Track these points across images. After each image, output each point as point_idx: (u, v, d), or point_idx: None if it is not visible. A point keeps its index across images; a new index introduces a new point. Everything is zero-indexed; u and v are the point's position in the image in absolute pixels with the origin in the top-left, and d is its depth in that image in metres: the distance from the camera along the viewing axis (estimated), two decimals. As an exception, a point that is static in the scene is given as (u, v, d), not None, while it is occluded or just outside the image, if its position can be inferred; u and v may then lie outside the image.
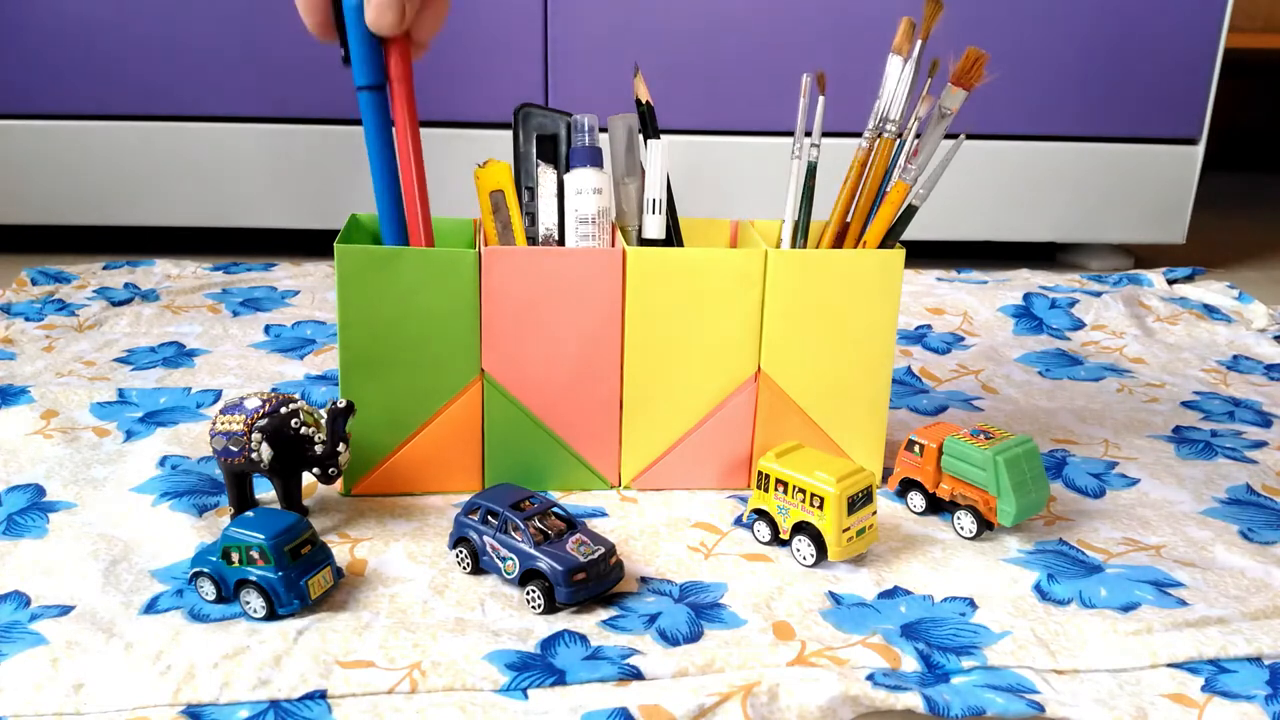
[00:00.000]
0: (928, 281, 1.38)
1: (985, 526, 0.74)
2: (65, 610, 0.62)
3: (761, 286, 0.76)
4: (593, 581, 0.64)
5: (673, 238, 0.81)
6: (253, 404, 0.71)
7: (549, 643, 0.61)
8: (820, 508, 0.69)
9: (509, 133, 0.78)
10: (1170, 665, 0.61)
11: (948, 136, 0.77)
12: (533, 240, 0.79)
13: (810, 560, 0.70)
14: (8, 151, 1.36)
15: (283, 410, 0.71)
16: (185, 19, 1.32)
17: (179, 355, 1.05)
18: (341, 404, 0.71)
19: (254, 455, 0.70)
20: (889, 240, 0.78)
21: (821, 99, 0.79)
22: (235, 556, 0.62)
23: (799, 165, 0.79)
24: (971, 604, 0.66)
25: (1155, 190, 1.47)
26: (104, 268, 1.34)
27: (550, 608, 0.64)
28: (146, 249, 1.48)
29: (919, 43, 0.77)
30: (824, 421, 0.80)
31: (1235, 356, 1.15)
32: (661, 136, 0.78)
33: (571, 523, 0.67)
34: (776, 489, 0.71)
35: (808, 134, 0.79)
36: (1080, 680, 0.60)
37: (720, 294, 0.76)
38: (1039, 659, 0.61)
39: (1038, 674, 0.60)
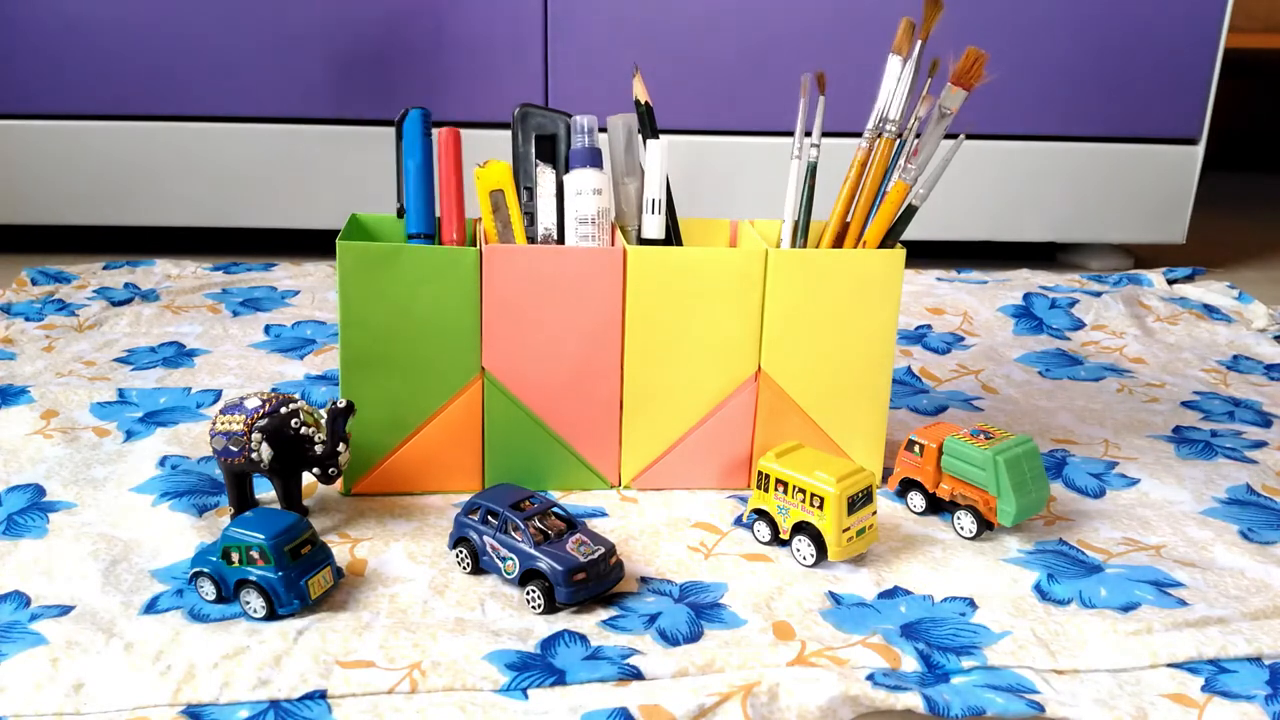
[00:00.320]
0: (928, 281, 1.38)
1: (985, 526, 0.74)
2: (65, 610, 0.62)
3: (761, 286, 0.76)
4: (593, 581, 0.64)
5: (672, 238, 0.81)
6: (253, 404, 0.71)
7: (549, 643, 0.61)
8: (820, 508, 0.69)
9: (509, 133, 0.78)
10: (1170, 665, 0.61)
11: (948, 136, 0.77)
12: (532, 240, 0.79)
13: (810, 560, 0.70)
14: (8, 151, 1.36)
15: (283, 410, 0.71)
16: (186, 19, 1.32)
17: (179, 355, 1.05)
18: (341, 404, 0.71)
19: (254, 455, 0.70)
20: (889, 240, 0.78)
21: (821, 99, 0.79)
22: (235, 556, 0.62)
23: (799, 165, 0.79)
24: (971, 604, 0.66)
25: (1155, 190, 1.47)
26: (104, 268, 1.34)
27: (550, 608, 0.64)
28: (146, 249, 1.48)
29: (919, 43, 0.77)
30: (824, 421, 0.80)
31: (1235, 356, 1.15)
32: (661, 136, 0.78)
33: (571, 523, 0.67)
34: (776, 489, 0.71)
35: (808, 134, 0.79)
36: (1080, 680, 0.60)
37: (720, 294, 0.76)
38: (1039, 659, 0.61)
39: (1038, 674, 0.60)
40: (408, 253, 0.73)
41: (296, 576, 0.62)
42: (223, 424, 0.71)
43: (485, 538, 0.67)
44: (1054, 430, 0.94)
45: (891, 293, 0.77)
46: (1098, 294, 1.33)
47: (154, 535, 0.71)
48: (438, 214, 0.77)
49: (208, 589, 0.64)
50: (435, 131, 0.76)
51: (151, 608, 0.63)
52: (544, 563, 0.64)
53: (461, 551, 0.68)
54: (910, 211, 0.78)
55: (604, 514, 0.77)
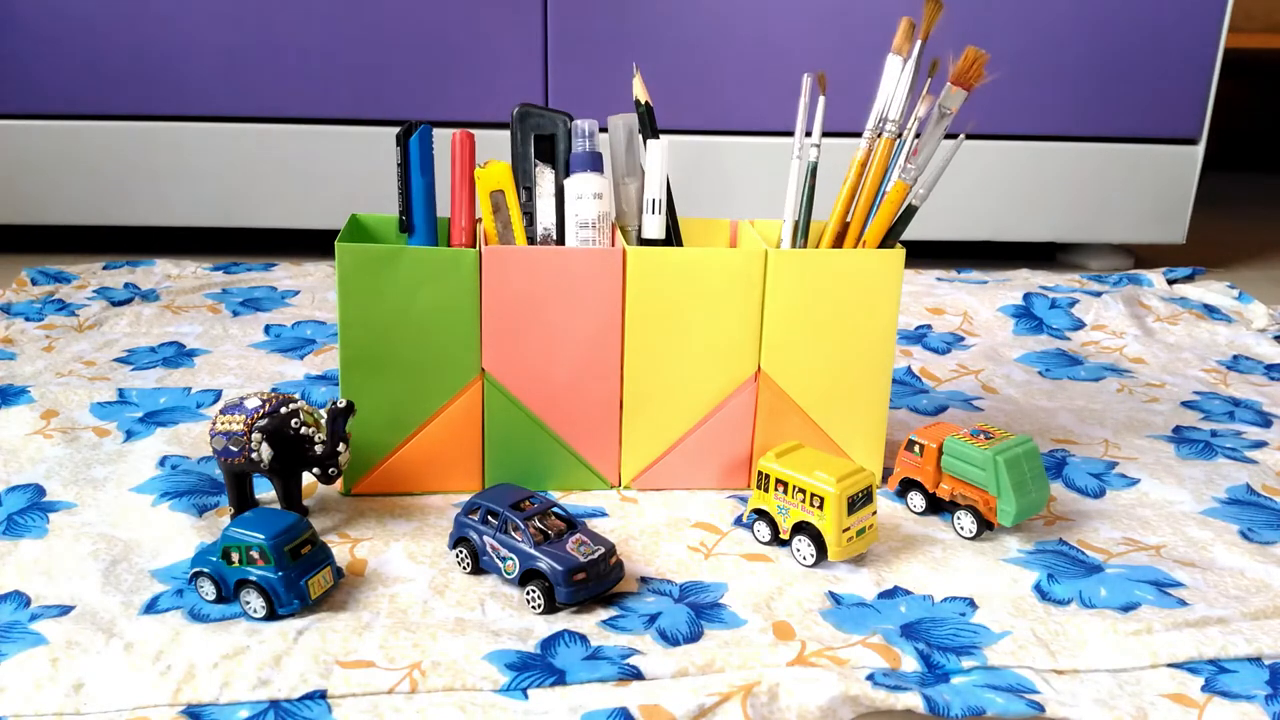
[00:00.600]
0: (928, 281, 1.38)
1: (985, 526, 0.74)
2: (65, 610, 0.62)
3: (761, 287, 0.76)
4: (593, 581, 0.64)
5: (672, 238, 0.81)
6: (253, 404, 0.71)
7: (549, 643, 0.61)
8: (820, 508, 0.69)
9: (509, 133, 0.78)
10: (1170, 665, 0.61)
11: (948, 136, 0.77)
12: (531, 240, 0.79)
13: (810, 560, 0.70)
14: (8, 151, 1.36)
15: (283, 410, 0.71)
16: (185, 19, 1.32)
17: (179, 355, 1.05)
18: (341, 404, 0.71)
19: (254, 455, 0.70)
20: (889, 240, 0.78)
21: (821, 99, 0.79)
22: (235, 556, 0.62)
23: (799, 165, 0.79)
24: (971, 604, 0.66)
25: (1155, 190, 1.47)
26: (104, 268, 1.34)
27: (550, 608, 0.64)
28: (146, 249, 1.48)
29: (919, 43, 0.77)
30: (824, 421, 0.80)
31: (1235, 356, 1.15)
32: (661, 136, 0.78)
33: (571, 523, 0.67)
34: (776, 489, 0.71)
35: (808, 134, 0.79)
36: (1080, 680, 0.60)
37: (720, 294, 0.76)
38: (1039, 659, 0.61)
39: (1038, 674, 0.60)
40: (407, 254, 0.73)
41: (296, 576, 0.62)
42: (223, 424, 0.71)
43: (485, 538, 0.67)
44: (1054, 430, 0.94)
45: (891, 293, 0.77)
46: (1098, 294, 1.33)
47: (154, 535, 0.71)
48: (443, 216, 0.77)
49: (208, 589, 0.64)
50: (452, 134, 0.76)
51: (151, 608, 0.63)
52: (544, 563, 0.64)
53: (461, 551, 0.68)
54: (910, 211, 0.78)
55: (604, 514, 0.77)
